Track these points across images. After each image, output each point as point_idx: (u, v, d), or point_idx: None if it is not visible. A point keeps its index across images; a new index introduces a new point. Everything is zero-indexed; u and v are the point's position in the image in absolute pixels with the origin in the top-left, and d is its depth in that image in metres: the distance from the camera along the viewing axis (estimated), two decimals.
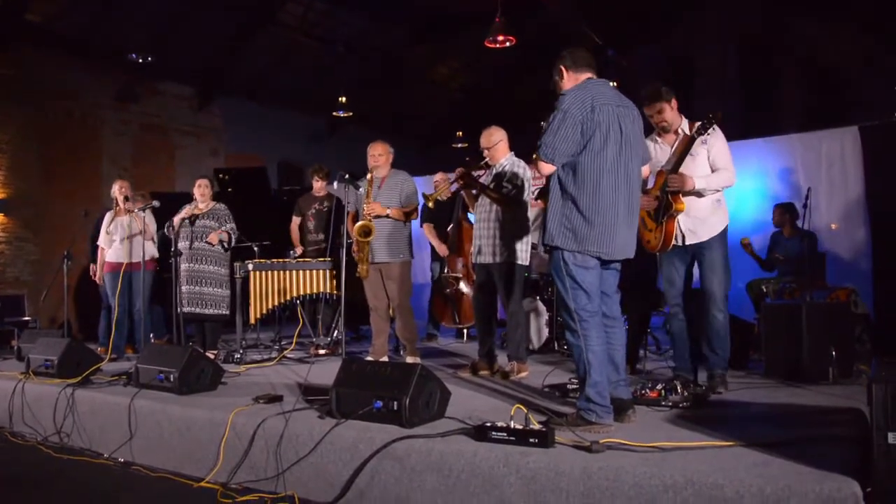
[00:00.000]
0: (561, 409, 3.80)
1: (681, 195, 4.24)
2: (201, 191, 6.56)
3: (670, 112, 4.34)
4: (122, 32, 10.34)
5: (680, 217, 4.29)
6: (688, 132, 4.30)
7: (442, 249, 7.32)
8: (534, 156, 3.56)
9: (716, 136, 4.30)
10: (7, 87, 9.92)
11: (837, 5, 11.43)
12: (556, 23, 12.49)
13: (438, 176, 7.67)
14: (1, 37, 9.70)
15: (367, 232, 5.50)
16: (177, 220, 6.36)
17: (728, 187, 4.35)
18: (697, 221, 4.31)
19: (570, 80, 3.60)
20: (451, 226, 7.19)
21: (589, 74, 3.59)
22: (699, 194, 4.27)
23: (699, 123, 4.21)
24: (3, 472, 4.37)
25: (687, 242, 4.33)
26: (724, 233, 4.35)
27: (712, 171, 4.30)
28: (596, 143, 3.37)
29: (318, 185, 7.19)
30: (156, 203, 6.61)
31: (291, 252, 6.86)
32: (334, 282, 6.28)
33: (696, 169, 4.26)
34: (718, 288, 4.31)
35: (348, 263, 5.55)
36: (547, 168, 3.49)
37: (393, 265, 5.63)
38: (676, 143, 4.37)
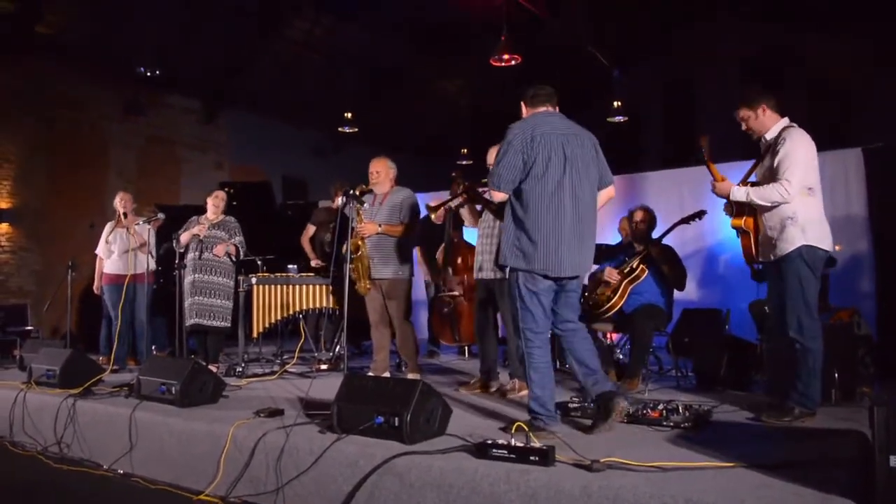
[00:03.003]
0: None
1: (743, 211, 4.20)
2: (216, 202, 6.59)
3: (755, 120, 4.18)
4: (130, 45, 10.42)
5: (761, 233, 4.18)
6: (767, 138, 4.17)
7: (426, 272, 7.38)
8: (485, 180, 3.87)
9: (783, 144, 4.01)
10: (15, 97, 10.00)
11: (841, 25, 11.48)
12: (561, 42, 12.56)
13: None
14: (11, 48, 9.79)
15: (355, 249, 5.53)
16: (185, 237, 6.37)
17: (776, 202, 4.00)
18: (766, 239, 4.13)
19: (527, 113, 3.93)
20: (442, 245, 7.21)
21: (545, 109, 3.89)
22: (777, 210, 4.04)
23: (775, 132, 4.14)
24: (2, 482, 4.37)
25: (760, 259, 4.23)
26: (798, 255, 3.98)
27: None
28: (538, 170, 3.65)
29: (339, 202, 7.22)
30: (161, 215, 6.63)
31: (313, 263, 6.95)
32: (335, 297, 6.28)
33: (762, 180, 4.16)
34: (790, 314, 4.00)
35: (350, 279, 5.56)
36: (498, 195, 3.80)
37: (392, 281, 5.64)
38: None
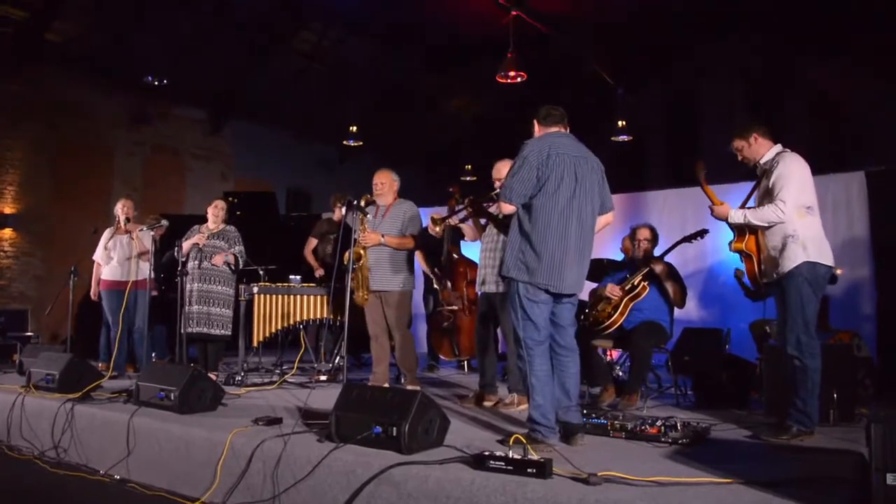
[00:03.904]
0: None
1: (744, 234, 4.27)
2: (216, 212, 6.62)
3: (748, 149, 4.33)
4: (137, 55, 10.52)
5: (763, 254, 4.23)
6: (761, 163, 4.30)
7: (427, 269, 7.41)
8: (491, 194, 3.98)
9: (776, 167, 4.14)
10: (23, 104, 10.08)
11: (845, 48, 11.54)
12: (566, 61, 12.65)
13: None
14: (20, 55, 9.89)
15: (357, 258, 5.54)
16: (186, 246, 6.39)
17: (773, 223, 4.09)
18: (768, 258, 4.18)
19: (539, 132, 4.01)
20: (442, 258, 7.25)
21: (557, 129, 3.98)
22: (778, 229, 4.11)
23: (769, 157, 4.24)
24: None
25: (764, 280, 4.25)
26: (800, 272, 4.02)
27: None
28: (550, 187, 3.73)
29: (340, 214, 7.28)
30: (164, 222, 6.66)
31: (317, 275, 7.04)
32: (336, 308, 6.29)
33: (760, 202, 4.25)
34: (789, 331, 4.06)
35: (351, 290, 5.57)
36: (507, 207, 3.87)
37: (392, 294, 5.64)
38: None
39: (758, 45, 12.90)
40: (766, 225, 4.13)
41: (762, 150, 4.32)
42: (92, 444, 4.63)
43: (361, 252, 5.57)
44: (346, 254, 5.52)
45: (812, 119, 12.47)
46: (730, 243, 4.43)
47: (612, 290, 5.53)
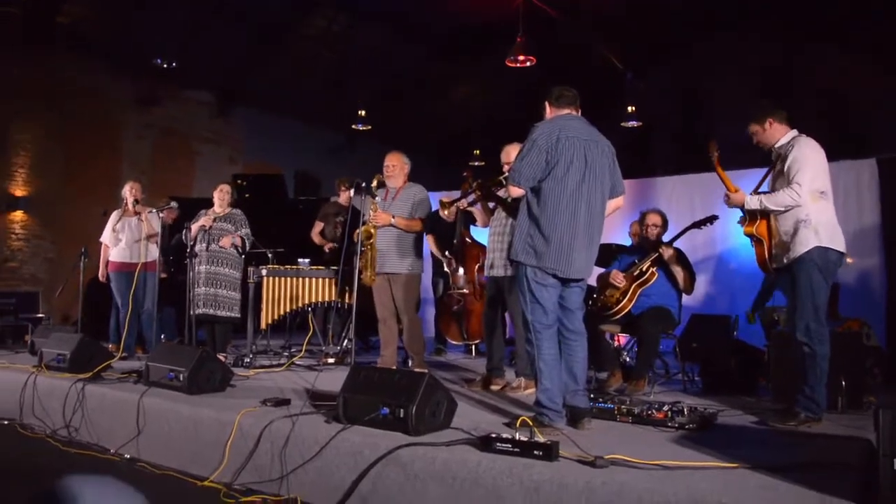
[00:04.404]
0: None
1: (755, 218, 4.24)
2: (221, 195, 6.65)
3: (763, 133, 4.30)
4: (147, 38, 10.49)
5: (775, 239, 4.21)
6: (776, 148, 4.27)
7: (437, 252, 7.43)
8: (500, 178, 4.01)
9: (791, 152, 4.12)
10: (33, 87, 10.08)
11: (858, 36, 11.42)
12: (576, 46, 12.56)
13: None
14: (30, 38, 9.88)
15: (367, 236, 5.55)
16: (195, 228, 6.42)
17: (788, 206, 4.05)
18: (780, 243, 4.16)
19: (551, 113, 3.98)
20: (454, 241, 7.26)
21: (568, 111, 3.94)
22: (790, 213, 4.09)
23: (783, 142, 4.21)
24: (12, 464, 4.41)
25: (774, 266, 4.23)
26: (811, 258, 4.00)
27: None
28: (559, 171, 3.71)
29: (345, 197, 7.30)
30: (174, 204, 6.68)
31: (326, 250, 7.21)
32: (344, 290, 6.32)
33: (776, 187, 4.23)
34: (798, 317, 4.03)
35: (359, 270, 5.59)
36: (515, 191, 3.86)
37: (400, 276, 5.65)
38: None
39: (771, 34, 12.77)
40: (783, 209, 4.10)
41: (777, 134, 4.28)
42: (102, 423, 4.68)
43: (372, 231, 5.56)
44: (356, 232, 5.53)
45: (824, 108, 12.34)
46: (740, 220, 4.41)
47: (616, 278, 5.52)
